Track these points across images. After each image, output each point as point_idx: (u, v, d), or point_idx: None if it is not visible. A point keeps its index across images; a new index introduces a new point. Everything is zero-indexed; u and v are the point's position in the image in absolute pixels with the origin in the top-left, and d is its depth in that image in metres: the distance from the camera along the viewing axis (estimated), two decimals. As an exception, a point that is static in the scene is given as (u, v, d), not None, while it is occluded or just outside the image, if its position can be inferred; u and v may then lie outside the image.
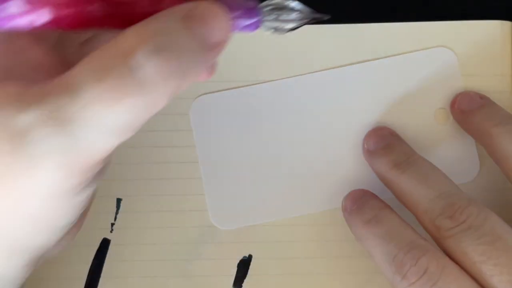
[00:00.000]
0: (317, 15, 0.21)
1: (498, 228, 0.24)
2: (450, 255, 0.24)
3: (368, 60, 0.30)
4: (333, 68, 0.30)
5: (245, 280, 0.30)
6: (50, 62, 0.20)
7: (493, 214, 0.25)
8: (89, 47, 0.22)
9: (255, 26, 0.20)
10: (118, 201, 0.30)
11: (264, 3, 0.20)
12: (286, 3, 0.20)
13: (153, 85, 0.17)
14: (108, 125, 0.17)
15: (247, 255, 0.30)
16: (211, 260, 0.30)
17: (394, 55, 0.30)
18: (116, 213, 0.30)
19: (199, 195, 0.30)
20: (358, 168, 0.30)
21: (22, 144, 0.17)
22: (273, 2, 0.20)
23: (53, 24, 0.18)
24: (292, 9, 0.20)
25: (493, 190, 0.30)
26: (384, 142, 0.29)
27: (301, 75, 0.30)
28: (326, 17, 0.21)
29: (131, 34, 0.17)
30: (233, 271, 0.30)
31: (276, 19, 0.20)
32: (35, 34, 0.19)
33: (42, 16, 0.17)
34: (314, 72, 0.30)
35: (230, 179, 0.30)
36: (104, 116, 0.16)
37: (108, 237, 0.30)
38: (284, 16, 0.20)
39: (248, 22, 0.20)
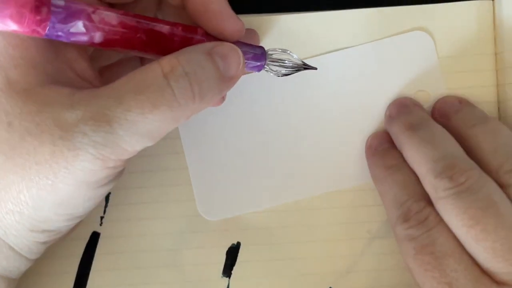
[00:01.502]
0: (307, 67, 0.27)
1: (494, 195, 0.25)
2: (443, 217, 0.25)
3: (348, 47, 0.31)
4: (313, 56, 0.31)
5: (234, 268, 0.30)
6: (91, 74, 0.24)
7: (492, 182, 0.25)
8: (118, 67, 0.27)
9: (260, 68, 0.26)
10: (107, 194, 0.30)
11: (269, 52, 0.26)
12: (285, 55, 0.27)
13: (180, 101, 0.21)
14: (141, 129, 0.21)
15: (235, 243, 0.30)
16: (200, 249, 0.30)
17: (372, 40, 0.31)
18: (105, 206, 0.30)
19: (185, 186, 0.30)
20: (343, 154, 0.31)
21: (69, 134, 0.20)
22: (275, 53, 0.26)
23: (105, 44, 0.22)
24: (289, 60, 0.27)
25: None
26: (406, 109, 0.30)
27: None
28: (315, 69, 0.28)
29: (168, 60, 0.22)
30: (222, 259, 0.30)
31: (276, 65, 0.26)
32: (80, 47, 0.23)
33: (96, 38, 0.22)
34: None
35: (216, 169, 0.30)
36: (140, 121, 0.21)
37: (98, 231, 0.30)
38: (283, 64, 0.26)
39: (255, 64, 0.26)
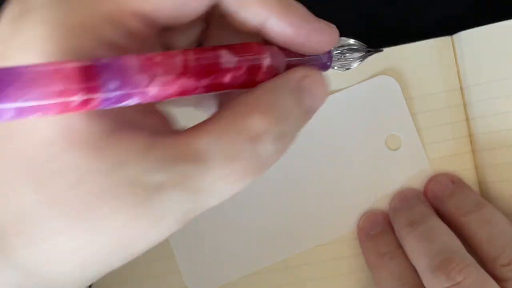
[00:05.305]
0: (373, 49, 0.23)
1: None
2: None
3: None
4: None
5: (229, 335, 0.30)
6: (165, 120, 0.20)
7: (490, 279, 0.25)
8: None
9: (327, 67, 0.21)
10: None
11: (335, 54, 0.22)
12: (348, 42, 0.22)
13: (265, 167, 0.18)
14: (225, 195, 0.18)
15: (227, 311, 0.30)
16: (192, 322, 0.30)
17: (339, 89, 0.30)
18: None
19: (168, 259, 0.30)
20: (325, 206, 0.31)
21: (152, 199, 0.17)
22: (339, 44, 0.22)
23: (180, 93, 0.18)
24: (353, 48, 0.22)
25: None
26: (408, 204, 0.30)
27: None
28: (381, 51, 0.24)
29: (257, 117, 0.18)
30: (215, 329, 0.30)
31: (343, 59, 0.22)
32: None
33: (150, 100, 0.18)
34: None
35: (199, 238, 0.30)
36: (228, 189, 0.18)
37: (86, 318, 0.30)
38: (348, 55, 0.22)
39: (322, 62, 0.21)
